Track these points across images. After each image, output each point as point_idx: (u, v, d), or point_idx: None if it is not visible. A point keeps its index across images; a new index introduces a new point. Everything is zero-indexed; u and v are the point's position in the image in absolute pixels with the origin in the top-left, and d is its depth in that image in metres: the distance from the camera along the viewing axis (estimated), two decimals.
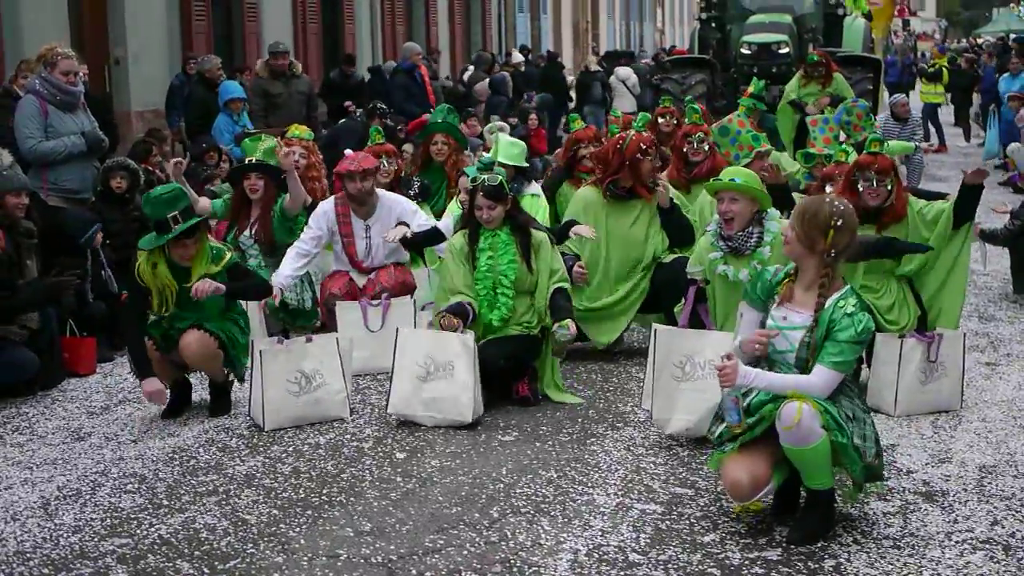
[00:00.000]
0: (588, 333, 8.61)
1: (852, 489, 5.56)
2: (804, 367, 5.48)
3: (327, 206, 9.09)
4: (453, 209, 9.33)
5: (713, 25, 22.27)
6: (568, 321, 7.54)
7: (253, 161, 9.38)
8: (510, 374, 7.69)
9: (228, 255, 7.53)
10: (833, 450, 5.36)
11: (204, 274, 7.30)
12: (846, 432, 5.33)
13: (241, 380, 7.63)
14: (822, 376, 5.42)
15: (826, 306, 5.46)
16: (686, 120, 10.11)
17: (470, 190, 7.77)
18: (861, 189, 7.55)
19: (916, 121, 16.99)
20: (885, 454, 6.53)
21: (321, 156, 10.97)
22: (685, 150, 9.58)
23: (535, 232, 7.74)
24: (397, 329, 7.58)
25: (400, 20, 26.14)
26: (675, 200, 8.61)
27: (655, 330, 7.08)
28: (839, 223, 5.45)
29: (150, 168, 11.69)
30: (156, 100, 16.17)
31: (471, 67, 24.45)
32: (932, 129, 24.58)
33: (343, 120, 16.21)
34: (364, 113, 15.62)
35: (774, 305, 5.64)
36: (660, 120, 11.70)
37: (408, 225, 8.75)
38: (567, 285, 7.78)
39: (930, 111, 25.00)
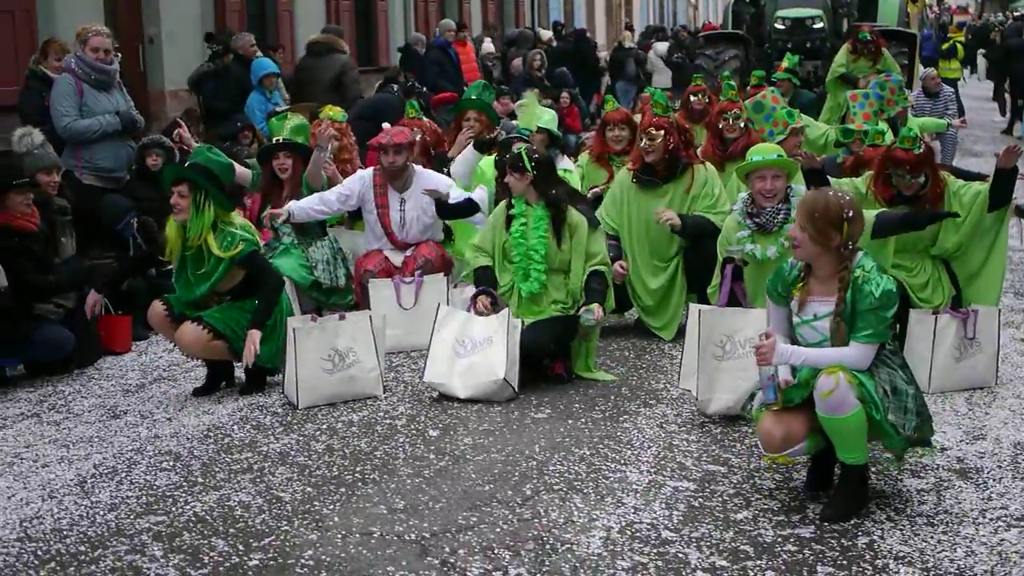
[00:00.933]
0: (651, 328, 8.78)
1: (894, 462, 5.56)
2: None
3: (366, 173, 9.22)
4: (485, 167, 9.42)
5: (747, 0, 22.11)
6: (594, 305, 7.54)
7: (281, 140, 9.41)
8: (542, 356, 7.71)
9: (241, 247, 7.42)
10: (869, 425, 5.35)
11: (209, 247, 7.39)
12: (880, 408, 5.31)
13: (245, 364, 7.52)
14: (857, 349, 5.41)
15: (845, 300, 5.45)
16: (721, 96, 10.06)
17: (497, 163, 7.82)
18: (895, 183, 7.51)
19: (948, 95, 16.80)
20: None
21: (353, 138, 10.98)
22: (720, 127, 9.52)
23: (572, 213, 7.72)
24: (439, 304, 7.73)
25: None
26: (683, 217, 8.57)
27: (695, 310, 7.06)
28: (851, 214, 5.44)
29: (185, 148, 11.75)
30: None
31: (488, 39, 24.35)
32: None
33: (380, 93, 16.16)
34: (400, 89, 15.61)
35: (795, 307, 5.61)
36: (692, 98, 11.65)
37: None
38: (606, 269, 7.76)
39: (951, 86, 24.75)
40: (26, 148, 9.10)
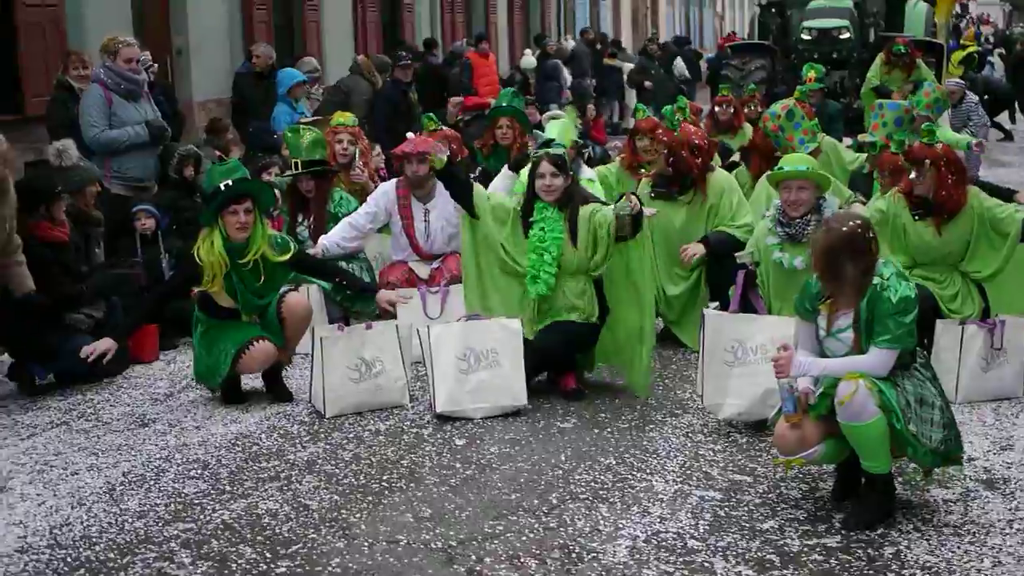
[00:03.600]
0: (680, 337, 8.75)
1: (921, 475, 5.57)
2: None
3: (388, 187, 9.16)
4: (518, 189, 9.33)
5: (773, 10, 22.11)
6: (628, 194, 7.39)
7: (300, 165, 9.40)
8: (557, 366, 7.66)
9: (294, 247, 7.65)
10: (892, 435, 5.34)
11: (264, 257, 7.40)
12: (901, 417, 5.30)
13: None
14: (876, 355, 5.40)
15: (862, 310, 5.45)
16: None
17: (534, 159, 7.66)
18: (912, 178, 7.53)
19: (971, 105, 16.66)
20: None
21: (365, 141, 11.03)
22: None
23: (583, 208, 7.53)
24: (417, 330, 7.58)
25: (459, 7, 26.17)
26: (708, 237, 8.58)
27: (705, 315, 7.08)
28: (872, 234, 5.49)
29: (223, 157, 11.84)
30: (217, 89, 16.29)
31: (527, 51, 24.43)
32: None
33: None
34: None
35: (823, 322, 5.61)
36: (717, 109, 11.67)
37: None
38: None
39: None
40: (70, 162, 9.19)
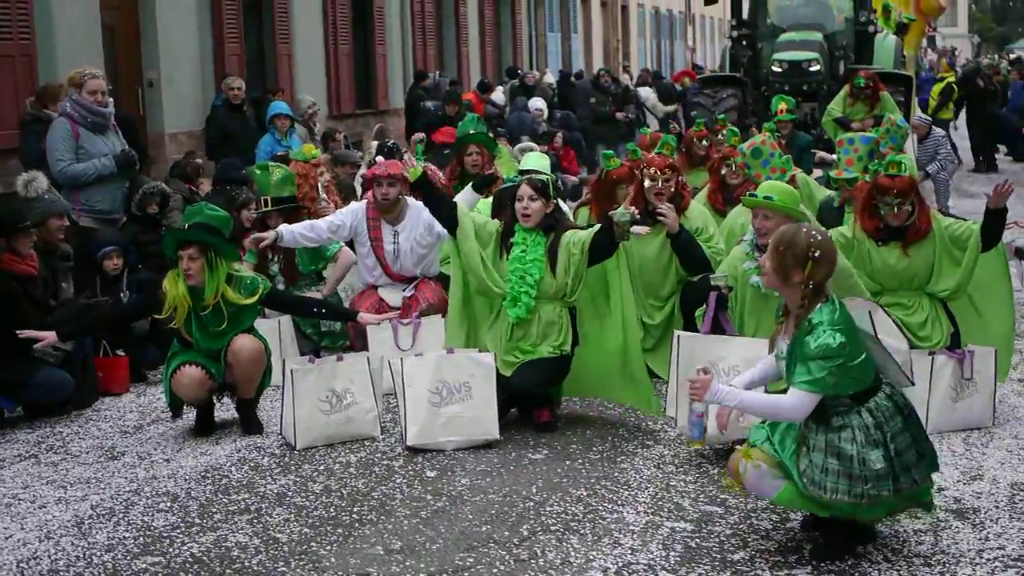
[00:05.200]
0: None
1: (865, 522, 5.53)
2: None
3: (359, 206, 9.23)
4: (482, 208, 9.32)
5: (744, 43, 22.22)
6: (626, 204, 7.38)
7: (268, 200, 9.49)
8: (531, 399, 7.64)
9: (262, 287, 7.61)
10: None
11: (227, 299, 7.39)
12: (799, 486, 5.24)
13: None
14: (793, 396, 5.28)
15: (801, 327, 5.36)
16: (725, 141, 10.09)
17: (513, 183, 7.63)
18: (883, 212, 7.55)
19: (938, 139, 16.78)
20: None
21: (326, 176, 11.13)
22: (723, 173, 9.57)
23: (564, 235, 7.53)
24: (389, 362, 7.56)
25: (431, 41, 26.22)
26: (684, 226, 8.55)
27: (677, 336, 7.09)
28: (817, 254, 5.31)
29: (194, 188, 11.84)
30: (189, 121, 16.27)
31: (500, 87, 24.44)
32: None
33: None
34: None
35: (770, 343, 5.60)
36: (694, 142, 11.71)
37: (439, 230, 8.77)
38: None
39: (943, 128, 24.56)
40: (35, 193, 9.15)
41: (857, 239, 7.71)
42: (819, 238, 5.40)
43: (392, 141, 14.74)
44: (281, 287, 9.26)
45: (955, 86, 24.48)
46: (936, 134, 16.69)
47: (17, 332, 7.50)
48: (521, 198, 7.49)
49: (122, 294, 9.27)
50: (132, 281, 9.37)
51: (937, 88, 24.97)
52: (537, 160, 9.91)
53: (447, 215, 7.65)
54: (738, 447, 5.35)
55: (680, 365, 6.98)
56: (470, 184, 9.54)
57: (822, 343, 5.22)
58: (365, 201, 9.27)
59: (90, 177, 10.03)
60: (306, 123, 15.78)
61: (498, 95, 23.04)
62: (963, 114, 25.51)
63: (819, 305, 5.35)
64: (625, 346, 7.53)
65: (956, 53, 61.03)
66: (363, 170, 12.10)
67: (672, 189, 8.58)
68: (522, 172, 7.71)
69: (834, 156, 8.88)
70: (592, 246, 7.38)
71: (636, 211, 7.31)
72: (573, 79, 27.11)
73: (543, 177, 7.59)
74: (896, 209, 7.51)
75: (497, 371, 7.34)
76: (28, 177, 9.36)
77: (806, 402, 5.26)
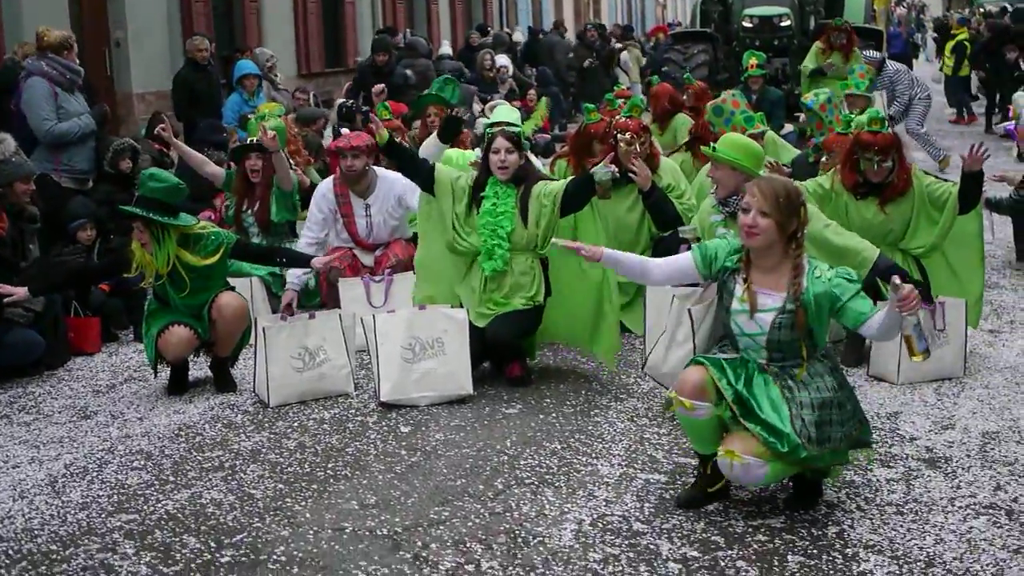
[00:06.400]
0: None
1: (835, 469, 5.49)
2: (777, 349, 5.33)
3: (325, 187, 9.06)
4: (448, 162, 9.24)
5: None
6: (605, 162, 7.34)
7: (252, 142, 9.43)
8: (504, 352, 7.63)
9: (224, 245, 7.47)
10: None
11: (185, 263, 7.35)
12: (797, 450, 5.19)
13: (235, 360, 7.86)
14: (877, 317, 5.23)
15: (804, 286, 5.29)
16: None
17: (489, 135, 7.57)
18: (863, 168, 7.57)
19: (890, 76, 16.39)
20: (888, 421, 6.61)
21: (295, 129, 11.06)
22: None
23: (535, 186, 7.50)
24: (361, 319, 7.50)
25: None
26: (656, 183, 8.55)
27: (646, 294, 7.15)
28: (803, 199, 5.37)
29: (164, 151, 11.77)
30: (157, 81, 16.17)
31: (446, 41, 24.33)
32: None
33: None
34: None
35: (738, 288, 5.42)
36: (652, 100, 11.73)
37: (408, 203, 8.75)
38: None
39: (960, 84, 24.50)
40: (2, 156, 9.06)
41: (835, 191, 7.73)
42: (797, 186, 5.50)
43: (350, 101, 14.71)
44: (257, 239, 9.21)
45: (967, 43, 24.26)
46: (889, 69, 16.47)
47: None
48: (498, 150, 7.46)
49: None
50: (104, 251, 9.29)
51: (949, 45, 24.73)
52: (507, 113, 9.87)
53: (425, 177, 7.62)
54: (720, 450, 5.30)
55: (651, 319, 7.03)
56: (435, 133, 9.44)
57: (847, 273, 5.32)
58: (331, 178, 9.15)
59: (74, 136, 9.98)
60: (267, 76, 15.68)
61: (445, 48, 22.93)
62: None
63: (808, 265, 5.36)
64: (599, 301, 7.54)
65: (925, 9, 61.01)
66: (328, 141, 12.03)
67: (647, 151, 8.61)
68: (492, 125, 7.63)
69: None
70: (565, 197, 7.37)
71: (615, 169, 7.29)
72: (540, 35, 27.06)
73: (516, 129, 7.54)
74: (876, 166, 7.53)
75: (471, 324, 7.34)
76: None
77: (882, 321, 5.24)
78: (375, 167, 9.07)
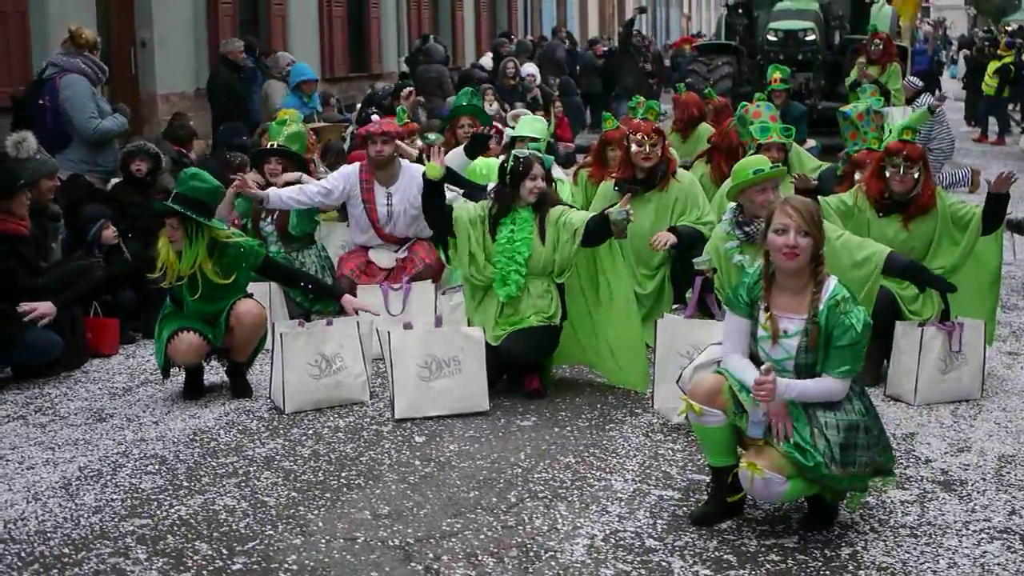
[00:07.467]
0: None
1: (856, 496, 5.47)
2: (803, 373, 5.30)
3: (351, 169, 9.18)
4: (470, 174, 9.31)
5: (740, 11, 22.17)
6: (620, 203, 7.35)
7: (275, 146, 9.46)
8: (521, 367, 7.61)
9: (251, 259, 7.55)
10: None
11: (205, 275, 7.40)
12: (820, 469, 5.17)
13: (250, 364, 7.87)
14: (836, 383, 5.24)
15: (820, 308, 5.27)
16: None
17: (523, 159, 7.53)
18: (888, 175, 7.55)
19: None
20: (904, 442, 6.57)
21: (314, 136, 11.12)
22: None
23: (553, 209, 7.54)
24: (377, 330, 7.54)
25: (426, 4, 26.14)
26: (677, 231, 8.57)
27: (658, 323, 7.12)
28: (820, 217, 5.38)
29: (184, 152, 11.81)
30: (182, 83, 16.23)
31: (490, 53, 24.35)
32: (992, 120, 24.24)
33: None
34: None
35: (761, 315, 5.38)
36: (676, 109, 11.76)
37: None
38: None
39: (1001, 105, 24.49)
40: (26, 154, 9.08)
41: (859, 207, 7.71)
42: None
43: (372, 109, 14.82)
44: (275, 247, 9.22)
45: (1012, 67, 24.05)
46: (924, 99, 16.46)
47: (17, 307, 7.41)
48: (536, 177, 7.48)
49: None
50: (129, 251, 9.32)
51: (993, 66, 24.54)
52: (531, 125, 9.88)
53: (441, 229, 7.68)
54: (743, 462, 5.29)
55: (661, 349, 7.04)
56: (462, 147, 9.49)
57: (865, 321, 5.24)
58: (358, 163, 9.22)
59: (115, 133, 10.04)
60: (285, 79, 15.78)
61: (486, 60, 22.97)
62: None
63: (831, 285, 5.33)
64: (620, 334, 7.56)
65: (948, 25, 60.79)
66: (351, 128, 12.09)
67: (659, 154, 8.59)
68: (516, 137, 7.65)
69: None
70: (586, 234, 7.40)
71: (631, 211, 7.28)
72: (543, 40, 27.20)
73: (541, 149, 7.59)
74: (902, 171, 7.51)
75: (487, 344, 7.33)
76: (18, 138, 9.23)
77: (845, 388, 5.27)
78: (402, 159, 9.14)
